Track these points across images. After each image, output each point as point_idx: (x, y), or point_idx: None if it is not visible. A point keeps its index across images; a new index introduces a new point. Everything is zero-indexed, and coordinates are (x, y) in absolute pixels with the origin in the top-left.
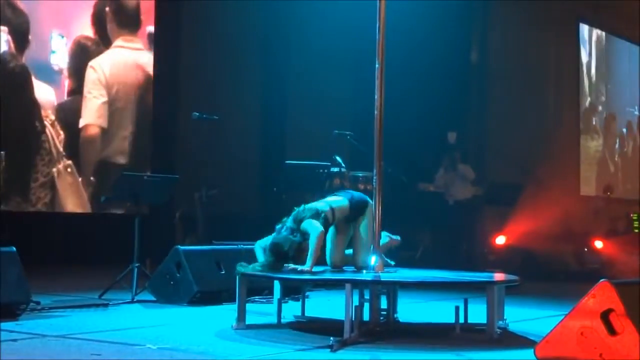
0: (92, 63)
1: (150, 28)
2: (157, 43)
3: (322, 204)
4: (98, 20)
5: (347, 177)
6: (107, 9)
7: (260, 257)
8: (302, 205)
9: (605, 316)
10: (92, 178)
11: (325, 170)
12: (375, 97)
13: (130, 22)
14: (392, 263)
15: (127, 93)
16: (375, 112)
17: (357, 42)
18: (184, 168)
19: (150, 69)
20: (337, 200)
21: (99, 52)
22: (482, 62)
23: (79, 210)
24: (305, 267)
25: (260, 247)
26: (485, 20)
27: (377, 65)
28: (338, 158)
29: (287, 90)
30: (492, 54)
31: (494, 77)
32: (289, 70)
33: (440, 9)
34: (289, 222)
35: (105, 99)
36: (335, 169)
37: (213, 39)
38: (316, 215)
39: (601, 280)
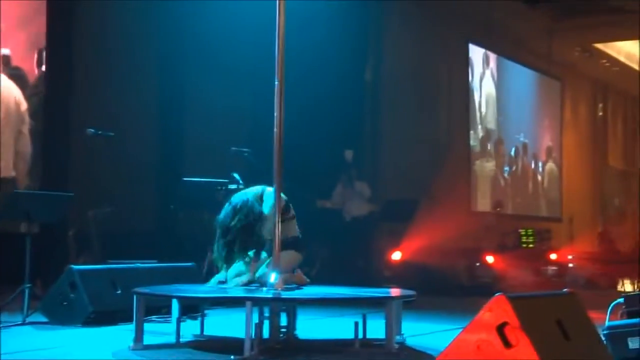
0: None
1: (4, 51)
2: (48, 58)
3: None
4: None
5: None
6: None
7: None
8: (247, 198)
9: (500, 329)
10: None
11: (223, 188)
12: (275, 114)
13: None
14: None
15: None
16: (275, 130)
17: (253, 58)
18: (78, 185)
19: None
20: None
21: None
22: (376, 82)
23: None
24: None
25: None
26: (380, 40)
27: (276, 82)
28: (236, 175)
29: (185, 105)
30: (385, 73)
31: (388, 97)
32: (186, 85)
33: (336, 28)
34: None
35: None
36: (233, 186)
37: (107, 52)
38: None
39: (496, 294)
